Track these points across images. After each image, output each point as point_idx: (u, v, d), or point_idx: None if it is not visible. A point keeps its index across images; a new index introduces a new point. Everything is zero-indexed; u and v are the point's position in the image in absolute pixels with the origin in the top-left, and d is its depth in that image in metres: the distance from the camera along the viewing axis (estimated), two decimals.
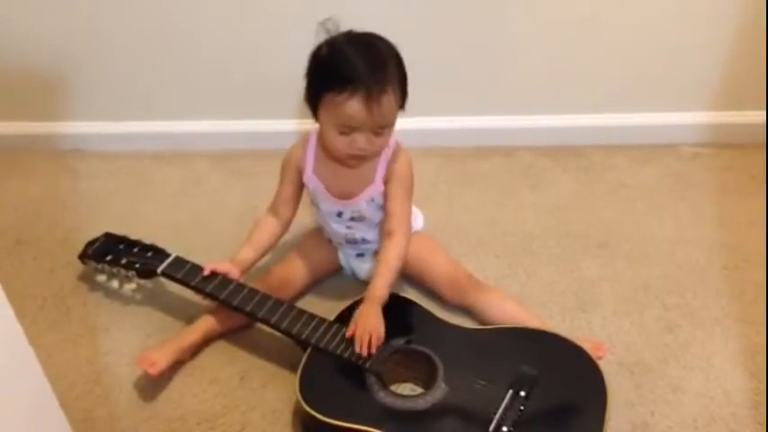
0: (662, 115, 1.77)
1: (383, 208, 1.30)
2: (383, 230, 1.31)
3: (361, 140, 1.19)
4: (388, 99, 1.15)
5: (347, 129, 1.18)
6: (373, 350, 1.16)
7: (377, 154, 1.24)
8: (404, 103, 1.22)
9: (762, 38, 1.63)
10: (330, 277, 1.44)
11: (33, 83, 1.75)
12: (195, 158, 1.80)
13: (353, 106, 1.14)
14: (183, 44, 1.69)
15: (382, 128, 1.19)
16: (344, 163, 1.25)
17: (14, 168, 1.78)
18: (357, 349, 1.16)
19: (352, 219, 1.32)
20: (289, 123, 1.75)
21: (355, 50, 1.16)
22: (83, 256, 1.40)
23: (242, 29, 1.66)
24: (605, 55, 1.68)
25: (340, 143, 1.20)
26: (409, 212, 1.32)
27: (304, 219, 1.49)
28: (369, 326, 1.17)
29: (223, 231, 1.55)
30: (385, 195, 1.29)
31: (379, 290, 1.23)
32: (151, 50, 1.71)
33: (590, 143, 1.79)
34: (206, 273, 1.27)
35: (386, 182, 1.28)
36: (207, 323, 1.30)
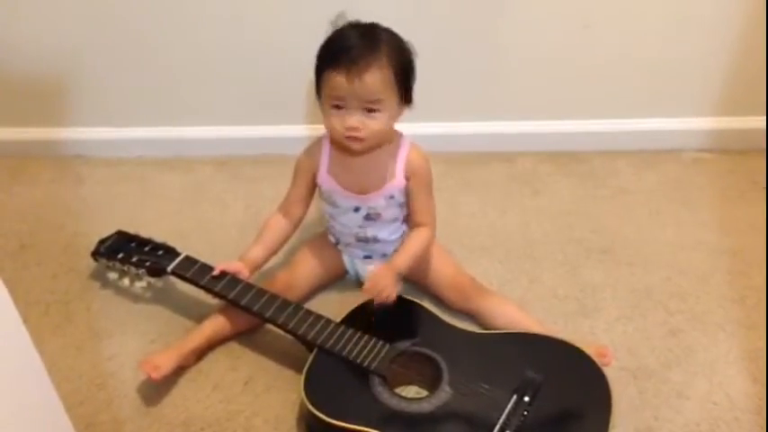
0: (663, 121, 1.78)
1: (407, 206, 1.32)
2: (411, 224, 1.34)
3: (352, 119, 1.20)
4: (373, 74, 1.16)
5: (337, 102, 1.20)
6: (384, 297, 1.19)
7: (375, 140, 1.23)
8: (408, 96, 1.23)
9: (764, 43, 1.63)
10: (335, 282, 1.44)
11: (37, 89, 1.76)
12: (198, 164, 1.80)
13: (337, 76, 1.17)
14: (186, 50, 1.70)
15: (370, 104, 1.19)
16: (349, 150, 1.25)
17: (18, 174, 1.79)
18: (368, 296, 1.19)
19: (368, 216, 1.32)
20: (292, 129, 1.75)
21: (351, 30, 1.20)
22: (95, 254, 1.41)
23: (245, 35, 1.67)
24: (606, 61, 1.69)
25: (335, 121, 1.21)
26: (434, 207, 1.33)
27: (309, 223, 1.49)
28: (380, 284, 1.20)
29: (226, 237, 1.55)
30: (408, 193, 1.29)
31: (400, 260, 1.27)
32: (154, 57, 1.71)
33: (591, 149, 1.79)
34: (216, 272, 1.28)
35: (407, 177, 1.28)
36: (210, 328, 1.30)
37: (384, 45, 1.19)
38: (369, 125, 1.20)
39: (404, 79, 1.22)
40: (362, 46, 1.17)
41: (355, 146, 1.23)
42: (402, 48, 1.22)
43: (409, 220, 1.35)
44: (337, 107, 1.20)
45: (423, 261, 1.36)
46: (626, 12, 1.62)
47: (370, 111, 1.20)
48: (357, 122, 1.20)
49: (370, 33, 1.20)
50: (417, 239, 1.31)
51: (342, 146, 1.26)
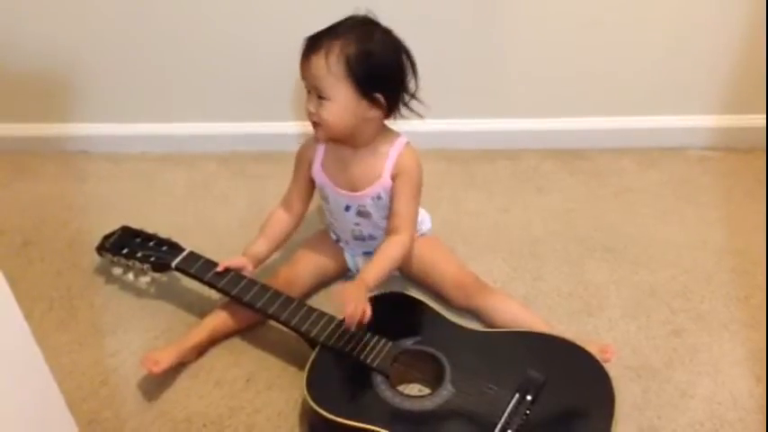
0: (669, 118, 1.77)
1: (389, 206, 1.30)
2: (387, 228, 1.30)
3: (308, 103, 1.22)
4: (318, 57, 1.17)
5: (305, 86, 1.22)
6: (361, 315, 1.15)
7: (335, 132, 1.22)
8: (369, 94, 1.19)
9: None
10: (337, 279, 1.43)
11: (41, 85, 1.76)
12: (202, 160, 1.80)
13: (301, 59, 1.20)
14: (188, 47, 1.70)
15: (316, 90, 1.19)
16: (315, 137, 1.27)
17: (21, 170, 1.79)
18: (348, 325, 1.15)
19: (359, 213, 1.32)
20: (296, 126, 1.75)
21: (340, 24, 1.20)
22: (100, 249, 1.41)
23: (247, 31, 1.66)
24: (611, 58, 1.68)
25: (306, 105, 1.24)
26: (415, 213, 1.31)
27: (311, 219, 1.49)
28: (354, 303, 1.14)
29: (229, 233, 1.55)
30: (391, 192, 1.28)
31: (370, 275, 1.22)
32: (157, 53, 1.71)
33: (596, 146, 1.79)
34: (220, 269, 1.28)
35: (393, 178, 1.27)
36: (212, 323, 1.30)
37: (346, 37, 1.17)
38: (320, 112, 1.21)
39: (362, 74, 1.17)
40: (325, 33, 1.19)
41: (316, 133, 1.25)
42: (367, 51, 1.17)
43: (386, 222, 1.31)
44: (308, 91, 1.22)
45: (425, 260, 1.36)
46: (631, 9, 1.62)
47: (320, 97, 1.20)
48: (311, 107, 1.21)
49: (348, 26, 1.19)
50: (389, 251, 1.26)
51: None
